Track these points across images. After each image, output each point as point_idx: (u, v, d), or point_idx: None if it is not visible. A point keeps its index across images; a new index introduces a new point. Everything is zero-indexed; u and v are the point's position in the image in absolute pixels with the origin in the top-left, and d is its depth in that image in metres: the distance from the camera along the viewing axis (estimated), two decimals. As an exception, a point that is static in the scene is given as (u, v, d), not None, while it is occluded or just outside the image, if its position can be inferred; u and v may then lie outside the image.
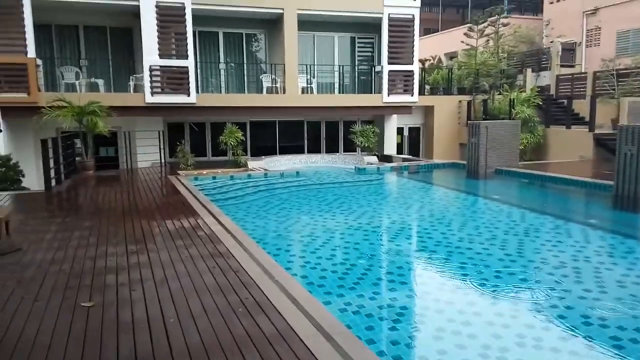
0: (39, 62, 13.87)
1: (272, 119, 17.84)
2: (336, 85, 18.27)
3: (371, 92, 17.98)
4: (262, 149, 17.61)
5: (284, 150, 18.14)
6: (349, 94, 18.08)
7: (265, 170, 14.44)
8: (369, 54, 18.83)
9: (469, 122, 15.63)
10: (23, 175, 12.70)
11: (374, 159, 17.12)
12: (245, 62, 17.66)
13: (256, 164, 15.18)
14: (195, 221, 7.27)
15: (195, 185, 11.22)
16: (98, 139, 13.97)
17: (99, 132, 12.82)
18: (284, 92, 16.38)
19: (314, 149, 18.68)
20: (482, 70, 20.15)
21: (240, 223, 7.82)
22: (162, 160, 14.78)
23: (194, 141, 17.01)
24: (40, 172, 12.78)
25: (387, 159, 17.42)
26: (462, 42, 20.35)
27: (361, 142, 17.04)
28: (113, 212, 7.90)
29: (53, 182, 10.42)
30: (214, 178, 13.03)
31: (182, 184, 10.98)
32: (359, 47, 18.78)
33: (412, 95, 17.36)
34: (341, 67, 18.28)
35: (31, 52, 13.36)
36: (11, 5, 12.98)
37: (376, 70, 17.65)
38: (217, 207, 8.44)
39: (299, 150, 18.44)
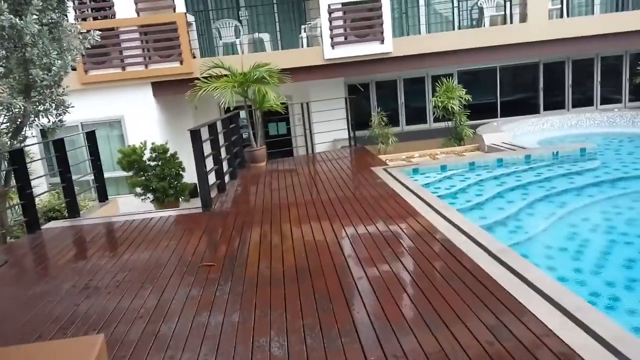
0: (191, 18, 10.61)
1: (493, 64, 12.42)
2: (596, 2, 11.89)
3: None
4: (475, 109, 12.23)
5: (508, 110, 12.68)
6: (625, 13, 11.55)
7: (520, 148, 8.75)
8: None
9: None
10: (183, 170, 9.79)
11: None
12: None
13: (495, 138, 9.69)
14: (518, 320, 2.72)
15: (423, 186, 6.68)
16: (266, 114, 10.35)
17: (269, 107, 9.10)
18: (524, 21, 10.77)
19: (552, 105, 12.86)
20: None
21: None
22: (351, 137, 10.52)
23: (381, 106, 12.46)
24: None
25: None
26: None
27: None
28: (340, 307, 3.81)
29: (214, 192, 6.88)
30: (442, 169, 8.07)
31: (406, 186, 6.39)
32: None
33: None
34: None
35: (180, 6, 10.11)
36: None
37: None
38: (529, 263, 3.76)
39: (530, 107, 12.82)
